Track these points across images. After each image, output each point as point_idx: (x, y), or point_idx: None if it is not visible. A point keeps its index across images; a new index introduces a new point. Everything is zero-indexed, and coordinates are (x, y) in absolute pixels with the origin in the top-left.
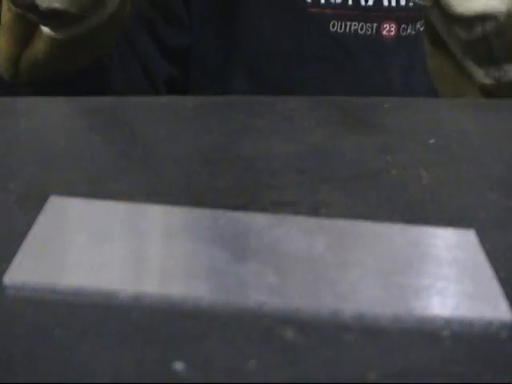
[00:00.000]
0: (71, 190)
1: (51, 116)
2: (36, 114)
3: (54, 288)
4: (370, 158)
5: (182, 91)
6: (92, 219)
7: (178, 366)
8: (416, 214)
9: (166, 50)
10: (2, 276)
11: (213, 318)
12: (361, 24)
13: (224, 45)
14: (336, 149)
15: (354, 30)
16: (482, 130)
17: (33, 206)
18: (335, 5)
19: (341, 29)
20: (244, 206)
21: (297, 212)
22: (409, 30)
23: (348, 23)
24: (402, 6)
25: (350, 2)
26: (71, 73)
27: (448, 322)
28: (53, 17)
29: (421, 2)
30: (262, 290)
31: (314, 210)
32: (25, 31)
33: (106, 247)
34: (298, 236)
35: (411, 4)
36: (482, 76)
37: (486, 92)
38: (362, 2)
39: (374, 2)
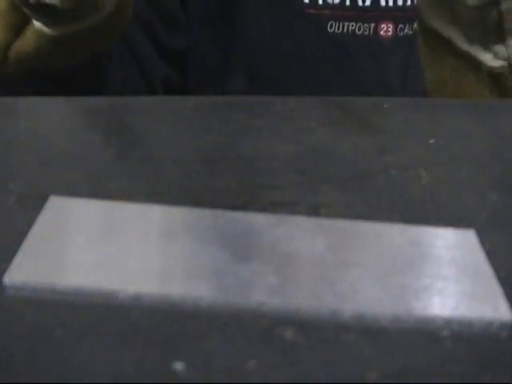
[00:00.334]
0: (71, 190)
1: (51, 116)
2: (36, 113)
3: (54, 288)
4: (369, 158)
5: (180, 92)
6: (92, 219)
7: (178, 365)
8: (416, 214)
9: (163, 51)
10: (2, 276)
11: (213, 318)
12: (358, 24)
13: (223, 45)
14: (336, 149)
15: (352, 30)
16: (482, 130)
17: (33, 205)
18: (333, 5)
19: (338, 29)
20: (244, 206)
21: (297, 212)
22: (406, 30)
23: (346, 24)
24: (399, 6)
25: (348, 3)
26: (66, 69)
27: (448, 322)
28: (45, 12)
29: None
30: (262, 290)
31: (314, 210)
32: (18, 20)
33: (106, 247)
34: (297, 236)
35: (408, 4)
36: (490, 60)
37: (496, 78)
38: (360, 3)
39: (371, 3)
